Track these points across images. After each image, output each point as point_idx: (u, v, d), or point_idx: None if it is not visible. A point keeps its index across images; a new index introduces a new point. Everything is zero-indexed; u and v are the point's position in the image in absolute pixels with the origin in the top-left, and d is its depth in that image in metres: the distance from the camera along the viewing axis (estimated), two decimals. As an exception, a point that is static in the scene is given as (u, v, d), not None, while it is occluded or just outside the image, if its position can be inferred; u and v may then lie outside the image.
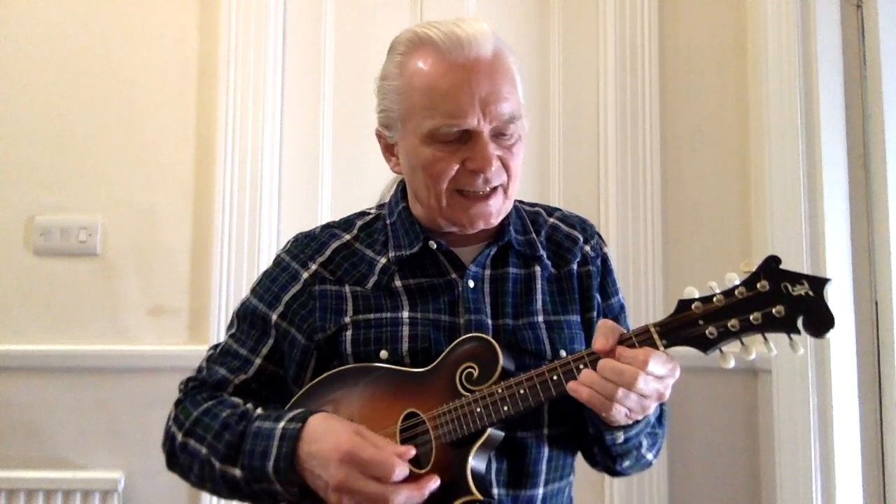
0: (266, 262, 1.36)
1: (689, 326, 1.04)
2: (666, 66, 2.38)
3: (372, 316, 1.21)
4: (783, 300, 1.01)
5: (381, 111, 1.24)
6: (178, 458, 1.19)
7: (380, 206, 1.36)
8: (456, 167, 1.16)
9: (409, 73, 1.18)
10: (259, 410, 1.16)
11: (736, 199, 2.34)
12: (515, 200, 1.30)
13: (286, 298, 1.25)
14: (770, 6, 2.17)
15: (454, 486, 1.08)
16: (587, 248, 1.31)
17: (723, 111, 2.37)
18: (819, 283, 1.00)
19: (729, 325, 1.02)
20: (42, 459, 2.23)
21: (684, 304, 1.06)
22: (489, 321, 1.20)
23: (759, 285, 1.02)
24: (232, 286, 2.28)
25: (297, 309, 1.24)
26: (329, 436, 1.06)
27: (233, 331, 1.29)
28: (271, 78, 2.35)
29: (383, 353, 1.17)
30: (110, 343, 2.28)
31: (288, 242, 1.33)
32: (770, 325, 1.01)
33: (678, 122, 2.37)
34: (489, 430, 1.10)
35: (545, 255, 1.27)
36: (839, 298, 1.95)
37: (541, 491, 1.18)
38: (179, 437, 1.18)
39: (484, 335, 1.15)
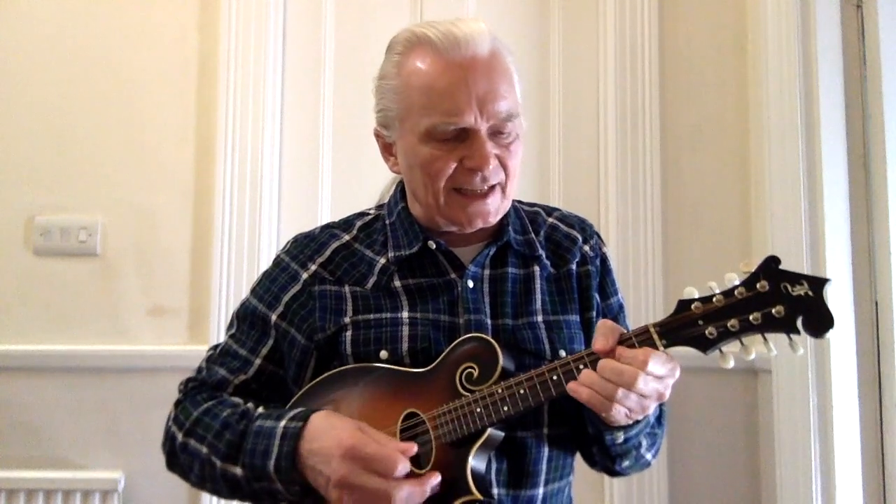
0: (266, 263, 1.36)
1: (688, 326, 1.04)
2: (666, 66, 2.38)
3: (372, 316, 1.21)
4: (783, 300, 1.01)
5: (380, 111, 1.24)
6: (178, 458, 1.19)
7: (379, 207, 1.37)
8: (454, 166, 1.16)
9: (407, 73, 1.18)
10: (260, 409, 1.16)
11: (736, 199, 2.34)
12: (514, 200, 1.30)
13: (286, 299, 1.25)
14: (770, 6, 2.17)
15: (454, 485, 1.08)
16: (586, 247, 1.31)
17: (723, 111, 2.37)
18: (818, 284, 1.00)
19: (729, 325, 1.02)
20: (42, 459, 2.23)
21: (684, 305, 1.06)
22: (488, 321, 1.20)
23: (758, 285, 1.02)
24: (232, 286, 2.28)
25: (296, 309, 1.24)
26: (331, 432, 1.06)
27: (232, 331, 1.29)
28: (271, 78, 2.35)
29: (383, 354, 1.17)
30: (110, 343, 2.28)
31: (287, 243, 1.33)
32: (770, 325, 1.01)
33: (678, 122, 2.37)
34: (489, 430, 1.10)
35: (544, 255, 1.27)
36: (839, 298, 1.95)
37: (541, 491, 1.18)
38: (180, 437, 1.18)
39: (484, 335, 1.15)
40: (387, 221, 1.30)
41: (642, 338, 1.05)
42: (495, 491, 1.15)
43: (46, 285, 2.30)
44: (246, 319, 1.28)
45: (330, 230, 1.32)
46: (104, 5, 2.37)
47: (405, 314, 1.20)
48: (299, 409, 1.13)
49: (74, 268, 2.30)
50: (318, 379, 1.19)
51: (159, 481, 2.09)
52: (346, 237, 1.30)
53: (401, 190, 1.31)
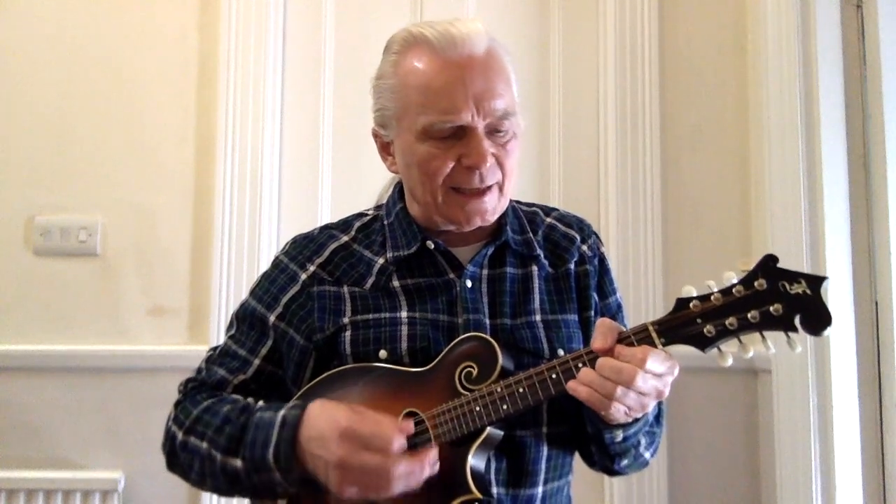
0: (266, 263, 1.36)
1: (687, 325, 1.04)
2: (666, 66, 2.38)
3: (370, 316, 1.21)
4: (781, 298, 1.01)
5: (377, 110, 1.24)
6: (178, 457, 1.19)
7: (377, 207, 1.37)
8: (451, 164, 1.16)
9: (404, 72, 1.19)
10: (261, 403, 1.16)
11: (736, 199, 2.34)
12: (513, 200, 1.31)
13: (285, 300, 1.25)
14: (770, 6, 2.17)
15: (453, 484, 1.08)
16: (584, 247, 1.31)
17: (723, 111, 2.37)
18: (816, 282, 1.00)
19: (727, 323, 1.03)
20: (42, 459, 2.23)
21: (682, 303, 1.06)
22: (487, 321, 1.20)
23: (756, 284, 1.02)
24: (232, 286, 2.28)
25: (295, 310, 1.24)
26: (327, 417, 1.07)
27: (232, 332, 1.29)
28: (271, 78, 2.35)
29: (382, 353, 1.18)
30: (110, 343, 2.28)
31: (286, 244, 1.34)
32: (768, 323, 1.01)
33: (678, 122, 2.37)
34: (488, 429, 1.10)
35: (542, 255, 1.28)
36: (839, 298, 1.95)
37: (540, 490, 1.19)
38: (180, 435, 1.18)
39: (483, 334, 1.15)
40: (385, 222, 1.30)
41: (641, 336, 1.06)
42: (494, 490, 1.15)
43: (46, 285, 2.30)
44: (245, 320, 1.28)
45: (328, 231, 1.32)
46: (104, 5, 2.37)
47: (404, 314, 1.20)
48: (299, 401, 1.14)
49: (74, 268, 2.30)
50: (317, 379, 1.20)
51: (159, 481, 2.09)
52: (345, 238, 1.30)
53: (399, 190, 1.32)
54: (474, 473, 1.09)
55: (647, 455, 1.23)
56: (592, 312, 1.27)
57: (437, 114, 1.14)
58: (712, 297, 1.04)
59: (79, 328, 2.28)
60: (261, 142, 2.32)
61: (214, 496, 2.16)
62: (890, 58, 2.01)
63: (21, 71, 2.35)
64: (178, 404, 1.23)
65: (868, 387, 1.97)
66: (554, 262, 1.28)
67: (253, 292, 1.30)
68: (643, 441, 1.19)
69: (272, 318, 1.25)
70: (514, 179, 1.22)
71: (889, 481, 1.94)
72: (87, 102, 2.34)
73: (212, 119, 2.34)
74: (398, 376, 1.16)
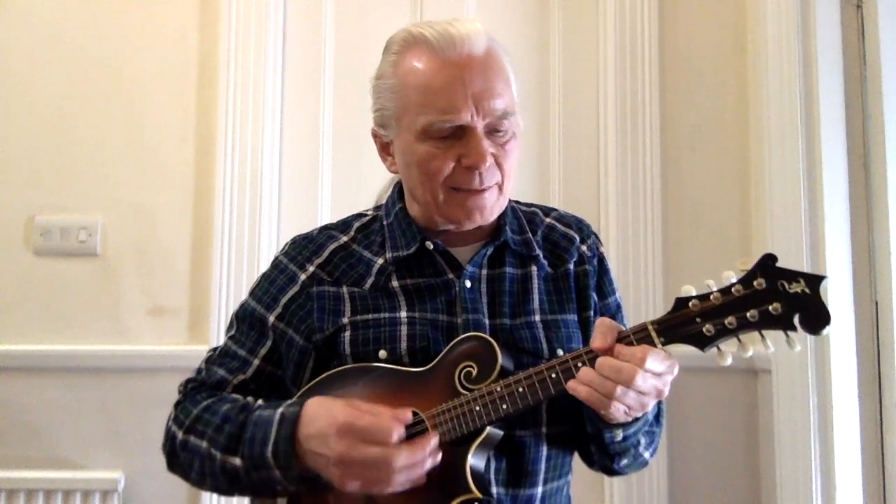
0: (266, 263, 1.37)
1: (686, 324, 1.04)
2: (666, 66, 2.38)
3: (370, 316, 1.21)
4: (780, 297, 1.01)
5: (377, 110, 1.24)
6: (178, 457, 1.19)
7: (377, 208, 1.37)
8: (451, 164, 1.16)
9: (404, 72, 1.19)
10: (260, 401, 1.17)
11: (736, 199, 2.34)
12: (512, 200, 1.31)
13: (284, 300, 1.25)
14: (770, 6, 2.17)
15: (453, 484, 1.08)
16: (583, 247, 1.31)
17: (723, 111, 2.37)
18: (815, 281, 1.00)
19: (726, 322, 1.03)
20: (42, 459, 2.23)
21: (681, 302, 1.06)
22: (486, 321, 1.20)
23: (755, 283, 1.02)
24: (232, 286, 2.28)
25: (295, 310, 1.24)
26: (325, 413, 1.07)
27: (231, 332, 1.29)
28: (271, 78, 2.35)
29: (382, 353, 1.18)
30: (110, 343, 2.28)
31: (286, 245, 1.34)
32: (767, 322, 1.01)
33: (678, 122, 2.37)
34: (488, 429, 1.10)
35: (541, 255, 1.28)
36: (839, 298, 1.95)
37: (540, 490, 1.19)
38: (180, 435, 1.18)
39: (483, 334, 1.15)
40: (384, 222, 1.30)
41: (640, 335, 1.06)
42: (494, 490, 1.15)
43: (46, 285, 2.30)
44: (244, 321, 1.28)
45: (328, 231, 1.32)
46: (104, 5, 2.37)
47: (403, 314, 1.20)
48: (297, 399, 1.14)
49: (74, 268, 2.31)
50: (317, 379, 1.20)
51: (159, 481, 2.09)
52: (344, 238, 1.30)
53: (398, 191, 1.32)
54: (474, 473, 1.09)
55: (646, 455, 1.23)
56: (592, 312, 1.27)
57: (436, 113, 1.14)
58: (711, 297, 1.04)
59: (79, 328, 2.28)
60: (261, 142, 2.32)
61: (214, 496, 2.16)
62: (890, 58, 2.01)
63: (21, 71, 2.35)
64: (178, 404, 1.23)
65: (868, 387, 1.97)
66: (553, 263, 1.28)
67: (252, 293, 1.30)
68: (643, 441, 1.19)
69: (271, 319, 1.25)
70: (514, 179, 1.22)
71: (889, 481, 1.94)
72: (87, 102, 2.34)
73: (212, 119, 2.34)
74: (398, 376, 1.16)
